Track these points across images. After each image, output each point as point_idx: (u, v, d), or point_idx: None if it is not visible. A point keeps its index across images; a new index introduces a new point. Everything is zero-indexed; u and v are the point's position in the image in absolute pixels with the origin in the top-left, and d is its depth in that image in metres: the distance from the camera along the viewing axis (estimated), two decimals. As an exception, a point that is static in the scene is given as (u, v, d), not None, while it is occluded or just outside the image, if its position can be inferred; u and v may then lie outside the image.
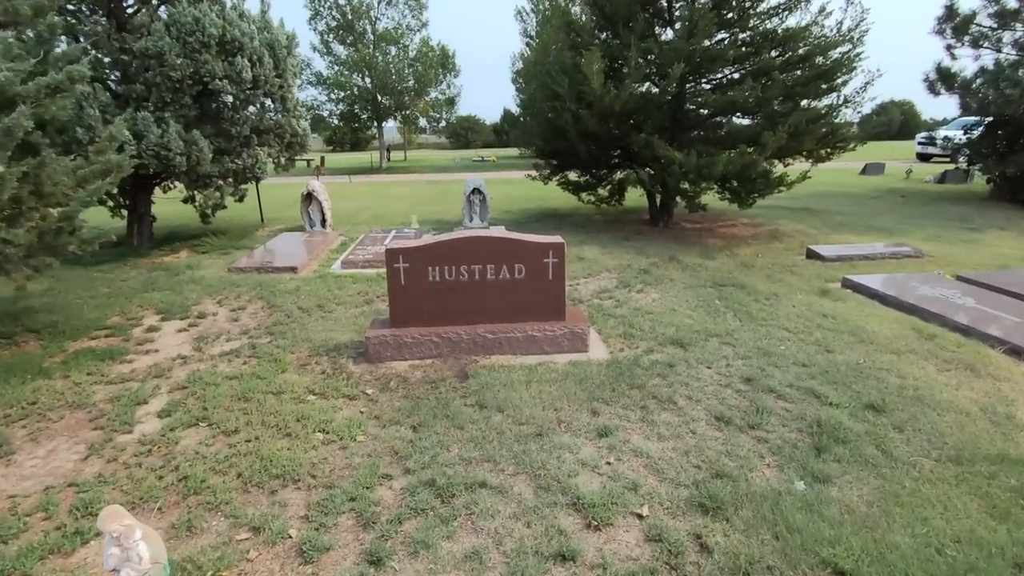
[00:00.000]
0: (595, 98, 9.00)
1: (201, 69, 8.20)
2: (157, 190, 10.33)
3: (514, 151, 37.89)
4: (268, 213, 13.14)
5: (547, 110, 10.49)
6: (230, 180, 10.17)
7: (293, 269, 8.11)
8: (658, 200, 11.08)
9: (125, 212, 10.10)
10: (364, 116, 31.97)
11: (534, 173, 12.41)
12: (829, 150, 9.80)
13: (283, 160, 11.50)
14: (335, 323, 5.90)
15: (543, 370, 4.63)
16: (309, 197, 10.90)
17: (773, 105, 9.41)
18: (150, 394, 4.37)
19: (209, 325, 5.94)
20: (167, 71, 8.03)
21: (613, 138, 9.97)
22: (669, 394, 4.18)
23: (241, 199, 10.92)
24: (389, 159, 37.45)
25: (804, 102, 9.31)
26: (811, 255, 8.47)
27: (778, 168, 9.71)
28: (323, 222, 11.03)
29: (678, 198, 10.17)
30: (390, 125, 39.88)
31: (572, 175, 12.18)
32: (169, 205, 11.37)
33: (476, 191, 11.23)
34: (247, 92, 9.00)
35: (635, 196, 12.94)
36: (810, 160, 9.95)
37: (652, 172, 10.17)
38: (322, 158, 32.64)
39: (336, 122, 33.43)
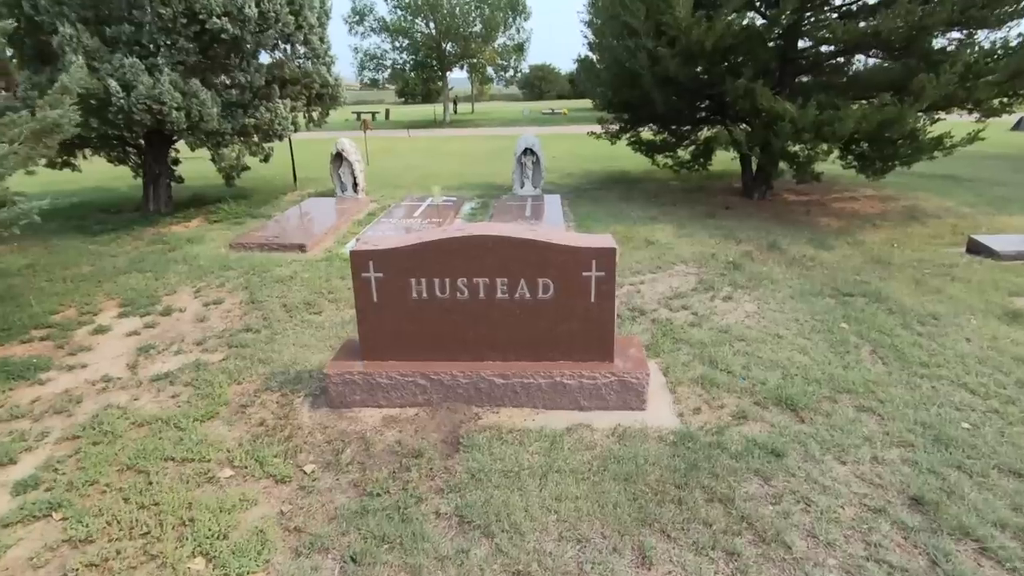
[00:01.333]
0: (680, 31, 6.88)
1: (195, 4, 6.86)
2: (185, 148, 9.35)
3: (588, 103, 34.99)
4: (306, 173, 12.05)
5: (617, 49, 8.39)
6: (254, 139, 9.01)
7: (301, 247, 6.85)
8: (754, 165, 8.83)
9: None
10: (429, 65, 30.22)
11: (597, 129, 10.39)
12: (1007, 99, 7.13)
13: (315, 115, 10.22)
14: (316, 332, 4.54)
15: (572, 445, 3.04)
16: (339, 157, 9.58)
17: (931, 38, 6.86)
18: (29, 446, 3.20)
19: (168, 327, 4.77)
20: (156, 6, 6.76)
21: (700, 85, 7.80)
22: (776, 523, 2.47)
23: (266, 159, 9.78)
24: (455, 111, 35.78)
25: (981, 33, 6.69)
26: (974, 248, 6.15)
27: (933, 126, 7.19)
28: (355, 186, 9.71)
29: (783, 163, 7.93)
30: (459, 76, 37.99)
31: (646, 132, 10.08)
32: (200, 164, 10.47)
33: (528, 152, 9.47)
34: (256, 33, 7.62)
35: (724, 159, 10.63)
36: (977, 114, 7.31)
37: (750, 129, 7.96)
38: (373, 115, 31.58)
39: (405, 71, 31.92)
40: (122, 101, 6.75)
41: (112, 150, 8.76)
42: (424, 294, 3.35)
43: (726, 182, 10.57)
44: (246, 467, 2.96)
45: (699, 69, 7.46)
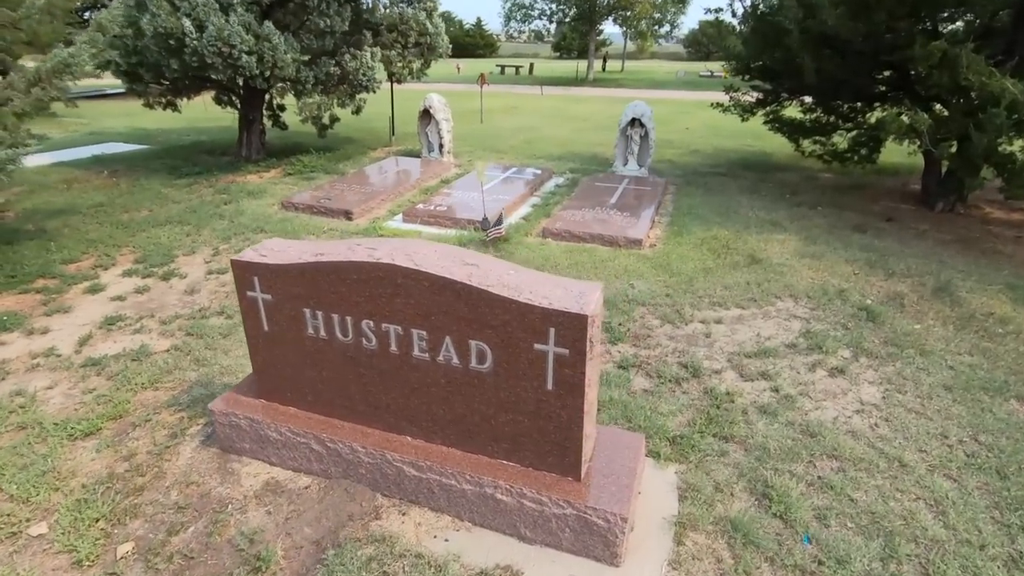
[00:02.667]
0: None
1: (268, -64, 6.30)
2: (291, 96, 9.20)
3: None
4: (412, 128, 11.52)
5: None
6: (343, 88, 8.53)
7: (347, 215, 6.23)
8: (943, 165, 6.41)
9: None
10: (586, 17, 28.01)
11: (725, 99, 8.37)
12: None
13: (414, 65, 9.50)
14: (284, 329, 3.82)
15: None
16: (427, 115, 8.79)
17: None
18: (-89, 429, 2.87)
19: (153, 296, 4.38)
20: (228, -62, 6.31)
21: (875, 47, 5.63)
22: None
23: (357, 111, 9.32)
24: (604, 69, 33.46)
25: None
26: None
27: None
28: (441, 147, 8.91)
29: (988, 168, 5.55)
30: (612, 31, 35.29)
31: (792, 108, 7.88)
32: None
33: (635, 123, 7.88)
34: (337, -29, 6.93)
35: (898, 152, 8.05)
36: None
37: (947, 114, 5.65)
38: (516, 68, 30.33)
39: (552, 22, 30.21)
40: (195, 42, 6.50)
41: (218, 92, 8.83)
42: (322, 332, 2.38)
43: (899, 181, 8.01)
44: (60, 528, 2.29)
45: (876, 23, 5.30)
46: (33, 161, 8.62)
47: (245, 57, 6.69)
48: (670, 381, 3.33)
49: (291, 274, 2.31)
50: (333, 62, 7.86)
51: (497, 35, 55.59)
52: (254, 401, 2.68)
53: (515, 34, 29.88)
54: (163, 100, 8.31)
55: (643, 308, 4.23)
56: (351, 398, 2.46)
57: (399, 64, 9.14)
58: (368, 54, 8.02)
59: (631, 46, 42.40)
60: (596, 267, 4.93)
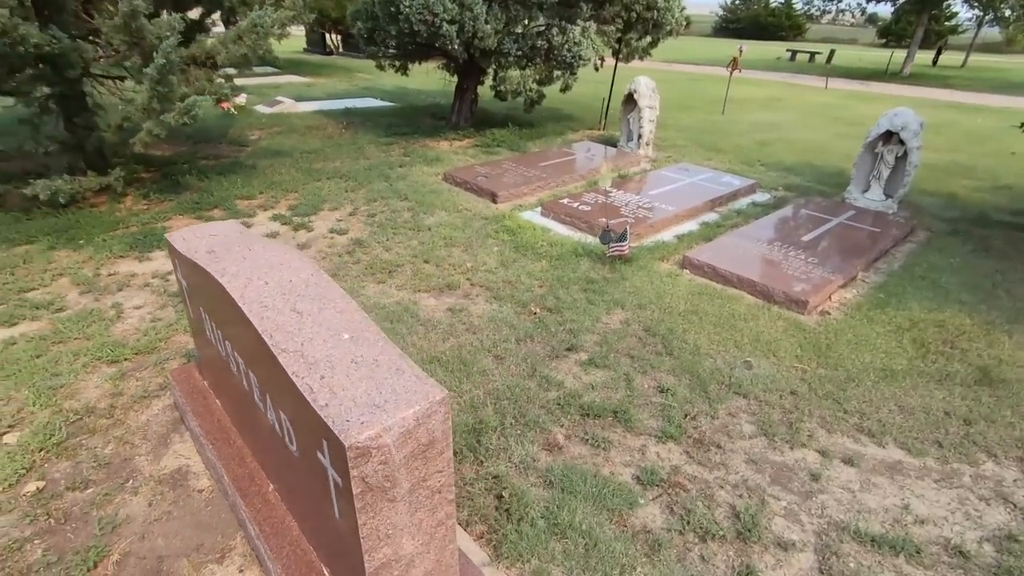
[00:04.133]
0: None
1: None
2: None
3: None
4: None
5: None
6: (547, 63, 8.18)
7: (493, 197, 5.95)
8: None
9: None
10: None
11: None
12: None
13: (637, 43, 8.60)
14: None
15: None
16: (631, 100, 7.89)
17: None
18: None
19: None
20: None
21: None
22: None
23: (565, 89, 8.86)
24: (935, 62, 26.39)
25: None
26: None
27: None
28: (639, 137, 7.95)
29: None
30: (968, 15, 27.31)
31: None
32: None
33: (890, 137, 5.80)
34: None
35: None
36: None
37: None
38: (784, 47, 25.52)
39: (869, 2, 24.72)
40: (407, 8, 6.80)
41: (442, 60, 9.32)
42: (210, 334, 2.09)
43: None
44: (18, 445, 2.53)
45: None
46: (303, 107, 10.39)
47: (446, 26, 6.77)
48: (696, 532, 2.24)
49: (188, 266, 2.06)
50: (539, 35, 7.50)
51: (813, 14, 48.26)
52: (200, 382, 2.58)
53: (816, 12, 25.20)
54: (395, 64, 9.07)
55: (742, 401, 3.01)
56: (240, 417, 2.15)
57: (616, 41, 8.34)
58: (578, 29, 7.44)
59: (992, 35, 32.53)
60: (716, 324, 3.71)
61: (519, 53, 7.62)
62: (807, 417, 2.91)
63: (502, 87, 8.37)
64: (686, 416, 2.88)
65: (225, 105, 9.91)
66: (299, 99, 10.97)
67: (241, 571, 2.02)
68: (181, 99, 4.63)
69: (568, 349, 3.41)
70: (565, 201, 5.68)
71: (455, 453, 2.56)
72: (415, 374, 1.40)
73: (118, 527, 2.18)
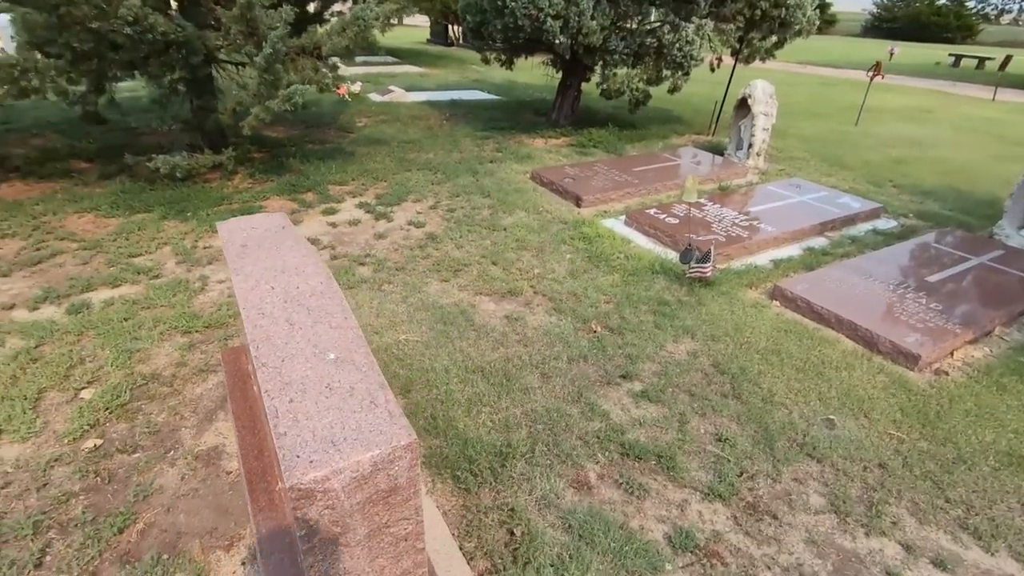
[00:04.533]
0: None
1: None
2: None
3: None
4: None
5: None
6: (655, 62, 7.75)
7: (578, 200, 5.73)
8: None
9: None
10: None
11: None
12: None
13: (761, 43, 7.90)
14: (405, 308, 3.77)
15: None
16: (744, 105, 7.25)
17: None
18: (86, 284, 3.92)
19: (357, 230, 4.88)
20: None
21: None
22: None
23: (673, 90, 8.34)
24: None
25: None
26: None
27: None
28: (749, 146, 7.30)
29: None
30: None
31: None
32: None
33: (1063, 167, 4.79)
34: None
35: None
36: None
37: None
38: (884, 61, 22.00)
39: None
40: (512, 3, 6.72)
41: (548, 56, 9.16)
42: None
43: None
44: (88, 401, 2.77)
45: None
46: (412, 97, 10.73)
47: (550, 21, 6.60)
48: (723, 616, 1.94)
49: (227, 258, 2.09)
50: (649, 33, 7.10)
51: (988, 13, 42.10)
52: (245, 365, 2.66)
53: (992, 12, 21.82)
54: (501, 58, 9.04)
55: (814, 466, 2.60)
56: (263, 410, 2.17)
57: (737, 40, 7.70)
58: (692, 27, 6.94)
59: None
60: (800, 369, 3.25)
61: (626, 51, 7.27)
62: (894, 499, 2.45)
63: (606, 85, 8.04)
64: (742, 474, 2.54)
65: (342, 91, 10.51)
66: (410, 89, 11.34)
67: (244, 564, 2.04)
68: (286, 86, 4.88)
69: (622, 376, 3.15)
70: (652, 211, 5.32)
71: (474, 475, 2.44)
72: (388, 411, 1.28)
73: (150, 496, 2.30)
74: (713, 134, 9.03)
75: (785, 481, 2.52)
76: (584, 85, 9.34)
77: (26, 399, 2.73)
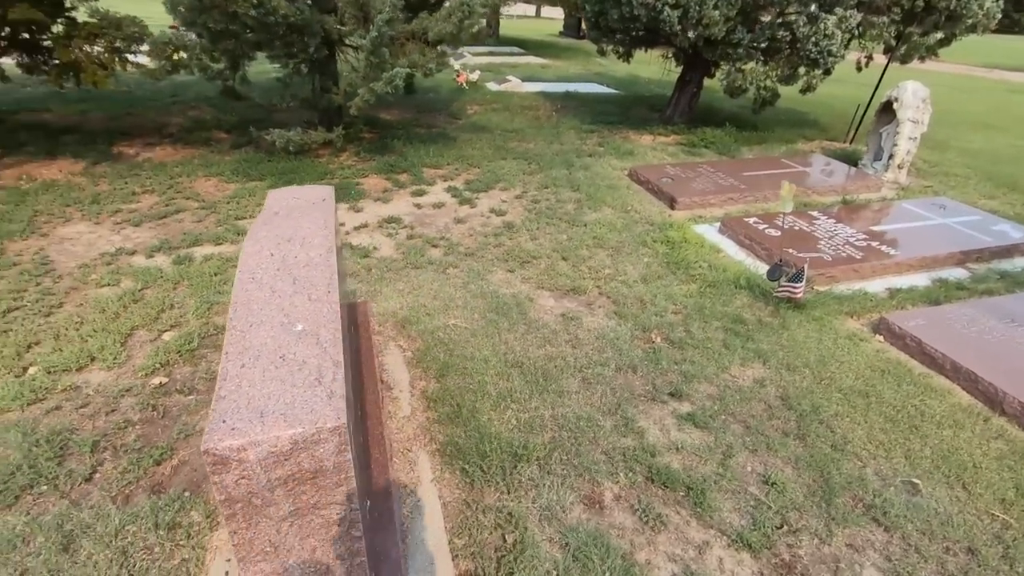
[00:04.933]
0: None
1: None
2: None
3: None
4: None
5: None
6: (787, 58, 7.02)
7: (672, 203, 5.38)
8: None
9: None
10: None
11: None
12: None
13: (927, 40, 6.87)
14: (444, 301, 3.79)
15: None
16: (888, 110, 6.33)
17: None
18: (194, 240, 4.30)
19: (438, 213, 4.97)
20: None
21: None
22: None
23: (806, 89, 7.51)
24: None
25: None
26: None
27: None
28: (890, 157, 6.38)
29: None
30: None
31: None
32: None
33: None
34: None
35: None
36: None
37: None
38: None
39: None
40: (632, -7, 6.42)
41: (668, 49, 8.69)
42: None
43: None
44: (173, 339, 3.08)
45: None
46: (527, 87, 10.74)
47: (668, 10, 6.22)
48: None
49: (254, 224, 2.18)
50: (782, 25, 6.43)
51: None
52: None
53: None
54: (618, 51, 8.73)
55: (879, 534, 2.19)
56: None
57: (895, 37, 6.73)
58: (832, 19, 6.17)
59: None
60: (890, 418, 2.76)
61: (753, 45, 6.65)
62: (978, 593, 1.99)
63: (727, 81, 7.43)
64: (783, 526, 2.20)
65: (461, 79, 10.82)
66: (527, 79, 11.37)
67: (247, 514, 2.15)
68: (391, 69, 5.08)
69: (671, 394, 2.89)
70: (752, 220, 4.83)
71: (482, 471, 2.36)
72: (330, 391, 1.24)
73: (190, 436, 2.50)
74: (851, 142, 8.02)
75: (836, 545, 2.15)
76: (708, 81, 8.76)
77: (120, 334, 3.11)
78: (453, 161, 6.25)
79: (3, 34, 5.48)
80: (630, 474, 2.41)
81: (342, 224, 4.66)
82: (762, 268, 4.18)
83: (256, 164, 5.76)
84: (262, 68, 8.03)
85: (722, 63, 7.27)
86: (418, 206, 5.11)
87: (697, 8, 6.17)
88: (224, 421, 1.16)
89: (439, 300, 3.61)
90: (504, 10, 21.91)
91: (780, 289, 3.66)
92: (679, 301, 3.74)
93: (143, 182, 5.24)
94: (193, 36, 5.36)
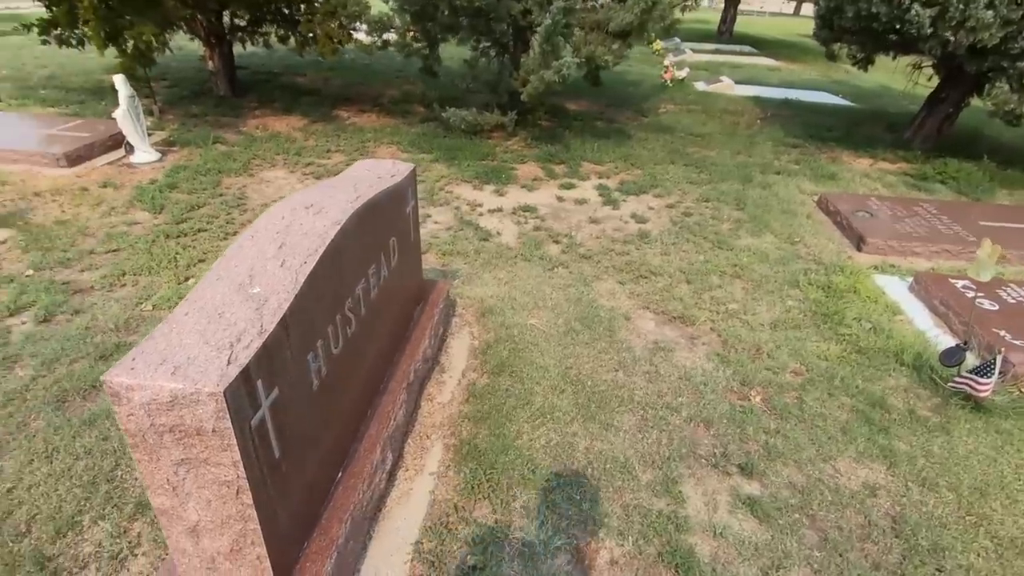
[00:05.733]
0: None
1: None
2: None
3: None
4: None
5: None
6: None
7: (860, 242, 4.44)
8: None
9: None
10: None
11: None
12: None
13: None
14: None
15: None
16: None
17: None
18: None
19: (574, 209, 4.81)
20: None
21: None
22: None
23: None
24: None
25: None
26: None
27: None
28: None
29: None
30: None
31: None
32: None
33: None
34: None
35: None
36: None
37: None
38: None
39: None
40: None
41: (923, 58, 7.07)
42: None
43: None
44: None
45: None
46: (739, 90, 9.74)
47: (916, 8, 5.02)
48: None
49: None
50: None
51: None
52: None
53: None
54: (855, 56, 7.38)
55: None
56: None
57: None
58: None
59: None
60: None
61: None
62: None
63: (999, 103, 5.77)
64: None
65: (667, 76, 10.28)
66: (743, 81, 10.32)
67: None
68: (562, 58, 5.01)
69: (740, 467, 2.39)
70: (960, 283, 3.72)
71: (487, 481, 2.23)
72: (234, 356, 1.26)
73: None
74: None
75: None
76: (972, 101, 6.95)
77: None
78: (616, 159, 5.97)
79: (271, 8, 6.73)
80: (641, 542, 2.06)
81: (479, 204, 4.78)
82: (950, 345, 3.20)
83: (432, 138, 6.21)
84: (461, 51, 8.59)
85: (995, 80, 5.66)
86: (560, 199, 5.01)
87: (961, 6, 4.87)
88: (133, 359, 1.25)
89: (530, 297, 3.50)
90: (746, 5, 20.08)
91: (959, 380, 2.76)
92: (808, 361, 3.06)
93: (339, 142, 6.03)
94: (399, 18, 5.95)
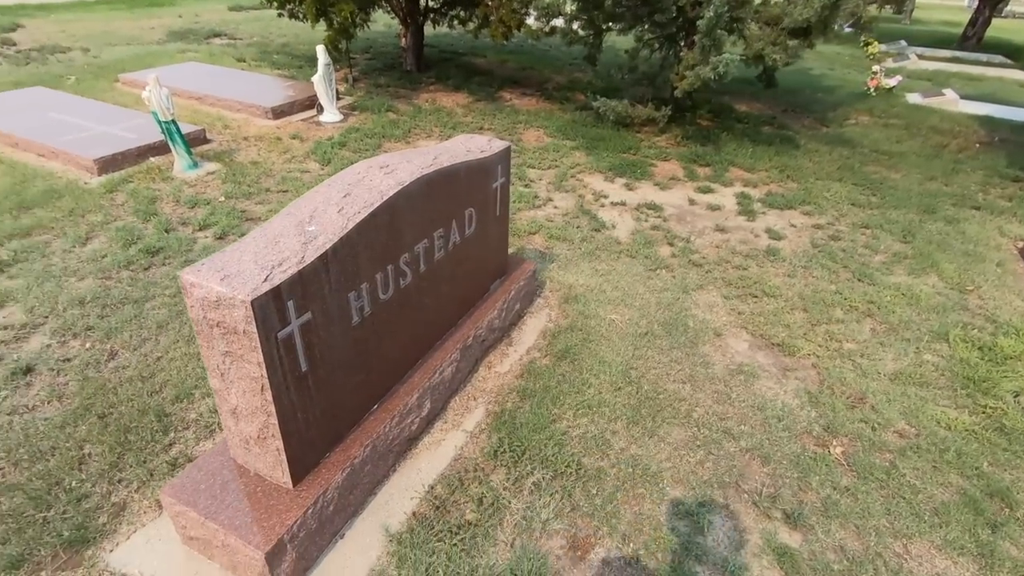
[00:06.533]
0: None
1: None
2: None
3: None
4: None
5: None
6: None
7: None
8: None
9: None
10: None
11: None
12: None
13: None
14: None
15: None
16: None
17: None
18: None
19: (706, 216, 4.55)
20: None
21: None
22: None
23: None
24: None
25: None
26: None
27: None
28: None
29: None
30: None
31: None
32: None
33: None
34: None
35: None
36: None
37: None
38: None
39: None
40: None
41: None
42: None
43: None
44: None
45: None
46: (962, 106, 8.15)
47: None
48: None
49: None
50: None
51: None
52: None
53: None
54: None
55: None
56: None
57: None
58: None
59: None
60: None
61: None
62: None
63: None
64: None
65: (873, 83, 9.03)
66: (973, 97, 8.60)
67: (341, 375, 2.70)
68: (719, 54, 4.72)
69: (786, 514, 2.17)
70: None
71: (511, 451, 2.32)
72: (270, 278, 1.52)
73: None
74: None
75: None
76: None
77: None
78: (771, 168, 5.47)
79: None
80: (642, 552, 2.00)
81: (604, 195, 4.76)
82: None
83: (579, 126, 6.26)
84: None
85: None
86: (692, 201, 4.77)
87: None
88: (202, 264, 1.57)
89: (620, 292, 3.45)
90: (1018, 6, 16.42)
91: None
92: (922, 425, 2.61)
93: (493, 121, 6.37)
94: (569, 4, 6.03)
